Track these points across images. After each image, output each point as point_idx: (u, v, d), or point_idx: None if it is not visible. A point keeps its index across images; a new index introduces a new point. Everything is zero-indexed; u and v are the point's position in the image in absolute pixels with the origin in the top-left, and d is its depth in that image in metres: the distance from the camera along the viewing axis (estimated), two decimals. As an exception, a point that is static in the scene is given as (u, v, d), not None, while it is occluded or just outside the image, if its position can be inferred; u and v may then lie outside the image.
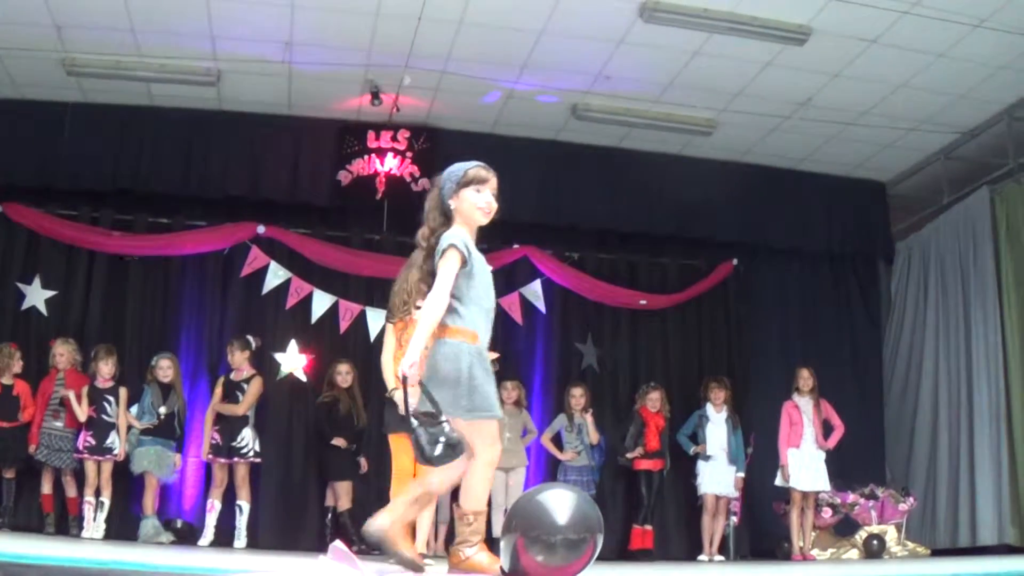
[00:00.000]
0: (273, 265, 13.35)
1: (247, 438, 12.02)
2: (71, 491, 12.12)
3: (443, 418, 5.53)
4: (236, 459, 11.94)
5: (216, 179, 13.23)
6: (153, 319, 13.37)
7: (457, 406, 5.65)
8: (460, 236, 5.81)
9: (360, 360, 12.81)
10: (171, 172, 13.16)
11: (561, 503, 4.72)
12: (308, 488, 12.93)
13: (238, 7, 11.03)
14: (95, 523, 11.70)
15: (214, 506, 11.97)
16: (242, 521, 11.96)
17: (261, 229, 13.34)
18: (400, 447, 8.28)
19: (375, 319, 13.01)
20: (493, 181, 6.01)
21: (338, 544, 4.80)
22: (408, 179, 13.38)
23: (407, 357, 5.64)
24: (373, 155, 13.38)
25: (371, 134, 13.42)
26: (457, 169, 6.00)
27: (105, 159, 13.09)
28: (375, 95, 12.63)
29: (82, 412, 11.92)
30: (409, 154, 13.41)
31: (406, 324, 8.29)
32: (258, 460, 12.19)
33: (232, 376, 12.34)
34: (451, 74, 12.31)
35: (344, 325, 13.38)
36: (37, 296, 13.09)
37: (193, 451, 12.65)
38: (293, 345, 13.24)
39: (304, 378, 13.25)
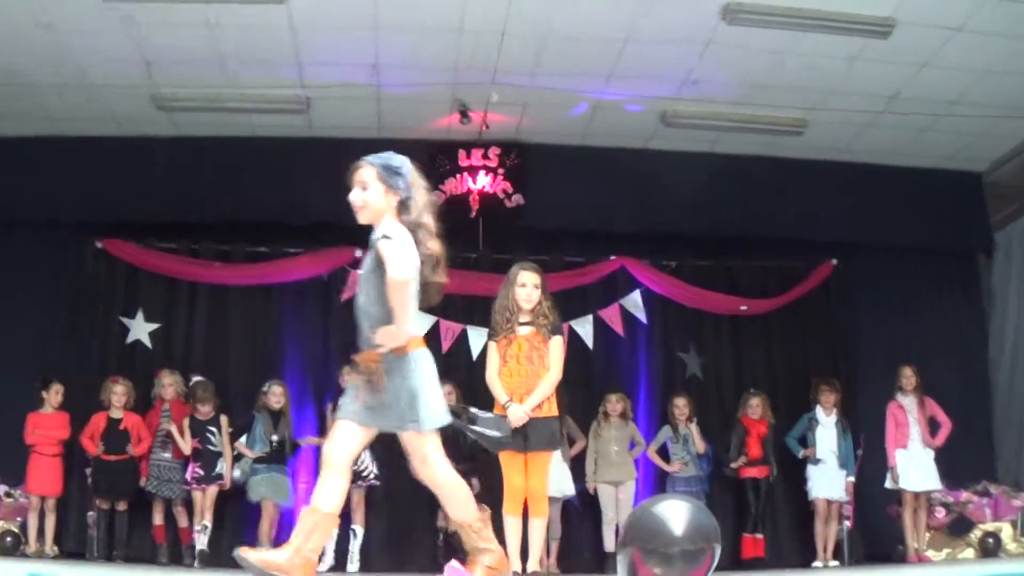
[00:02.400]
0: (373, 288, 13.36)
1: (367, 462, 12.10)
2: (183, 521, 12.35)
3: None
4: (359, 483, 11.98)
5: (311, 205, 13.19)
6: (256, 347, 13.52)
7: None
8: None
9: (464, 379, 12.82)
10: (266, 200, 13.29)
11: (677, 514, 4.67)
12: (418, 509, 12.83)
13: (324, 33, 11.13)
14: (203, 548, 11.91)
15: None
16: (355, 545, 12.06)
17: (359, 253, 13.34)
18: (510, 464, 8.25)
19: (477, 338, 12.94)
20: (356, 174, 5.94)
21: (454, 564, 4.82)
22: (501, 195, 13.43)
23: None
24: (465, 173, 13.41)
25: (462, 153, 13.46)
26: None
27: (200, 191, 13.28)
28: (464, 113, 12.67)
29: (186, 445, 12.12)
30: (501, 171, 13.45)
31: (510, 341, 8.36)
32: (376, 483, 12.31)
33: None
34: (538, 88, 12.29)
35: (446, 345, 13.37)
36: (141, 330, 13.35)
37: (303, 476, 12.74)
38: (396, 368, 13.23)
39: (409, 401, 13.24)
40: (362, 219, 5.87)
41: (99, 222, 13.48)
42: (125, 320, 13.43)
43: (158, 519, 12.36)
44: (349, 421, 5.75)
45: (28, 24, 10.86)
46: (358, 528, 12.07)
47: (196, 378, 12.58)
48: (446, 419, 5.87)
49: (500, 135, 13.44)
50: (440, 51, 11.52)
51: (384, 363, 5.66)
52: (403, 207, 5.85)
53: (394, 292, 5.52)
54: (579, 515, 13.00)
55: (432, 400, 5.76)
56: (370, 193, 5.84)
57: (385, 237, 5.60)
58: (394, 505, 12.92)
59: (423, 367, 5.77)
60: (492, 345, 8.52)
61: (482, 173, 13.43)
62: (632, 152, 13.88)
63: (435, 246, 5.85)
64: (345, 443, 5.77)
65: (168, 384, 12.49)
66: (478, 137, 13.35)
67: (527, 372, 8.31)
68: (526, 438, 8.17)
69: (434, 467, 5.85)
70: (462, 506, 5.91)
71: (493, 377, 8.41)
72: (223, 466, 12.15)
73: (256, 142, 13.36)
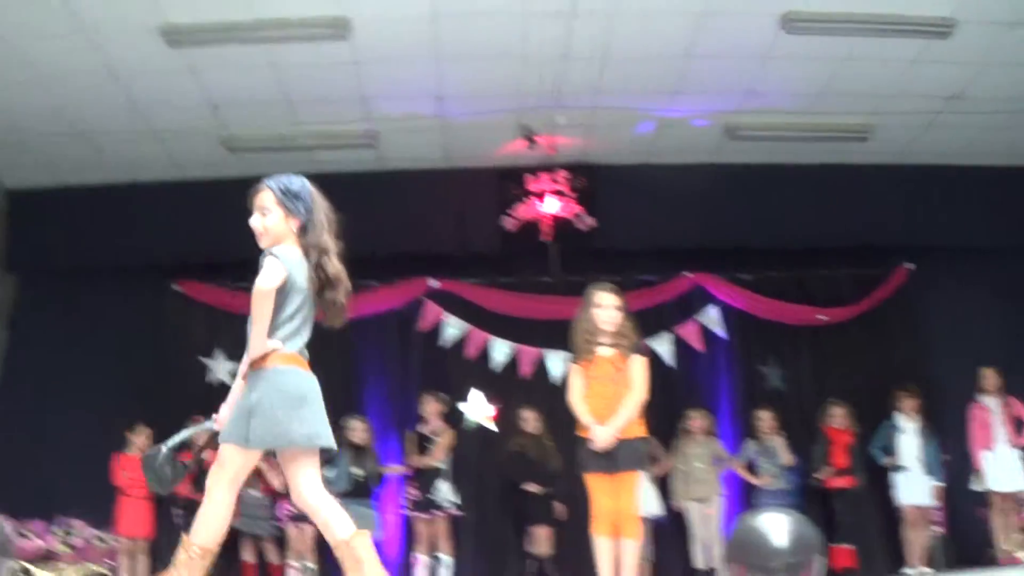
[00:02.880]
0: (450, 317, 13.50)
1: (443, 491, 12.12)
2: (272, 557, 12.44)
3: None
4: (434, 512, 12.09)
5: (383, 238, 13.13)
6: (336, 382, 13.51)
7: None
8: None
9: (546, 403, 12.74)
10: (339, 234, 13.31)
11: (778, 527, 4.68)
12: (507, 537, 12.87)
13: (387, 67, 11.24)
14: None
15: (419, 560, 12.11)
16: (445, 574, 12.07)
17: (434, 283, 13.48)
18: (597, 486, 8.17)
19: (555, 361, 12.96)
20: (256, 198, 5.93)
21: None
22: (572, 218, 13.40)
23: None
24: (535, 199, 13.39)
25: (530, 177, 13.44)
26: None
27: (273, 229, 13.43)
28: (530, 138, 12.67)
29: (277, 479, 12.21)
30: (571, 193, 13.40)
31: (592, 363, 8.30)
32: (457, 512, 12.29)
33: (422, 429, 12.52)
34: (602, 109, 12.32)
35: (526, 370, 13.41)
36: (221, 369, 13.60)
37: (390, 509, 12.83)
38: (478, 395, 13.26)
39: (492, 427, 13.26)
40: (263, 244, 5.79)
41: (174, 265, 13.86)
42: (205, 360, 13.71)
43: (248, 556, 12.49)
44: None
45: (95, 76, 11.15)
46: (446, 558, 12.11)
47: None
48: (275, 443, 5.60)
49: (567, 158, 13.43)
50: (503, 78, 11.58)
51: (248, 377, 5.61)
52: (303, 230, 5.84)
53: (253, 303, 5.50)
54: (669, 534, 12.97)
55: (268, 421, 5.50)
56: (270, 219, 5.82)
57: (270, 254, 5.61)
58: (482, 534, 12.95)
59: (276, 384, 5.58)
60: (575, 368, 8.45)
61: (552, 197, 13.39)
62: (699, 167, 13.85)
63: (335, 266, 5.86)
64: (312, 481, 5.71)
65: (253, 421, 12.61)
66: (546, 161, 13.35)
67: (611, 393, 8.21)
68: (614, 460, 8.09)
69: (234, 486, 5.58)
70: (205, 529, 5.49)
71: (577, 400, 8.31)
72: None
73: (325, 178, 13.23)
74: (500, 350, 13.46)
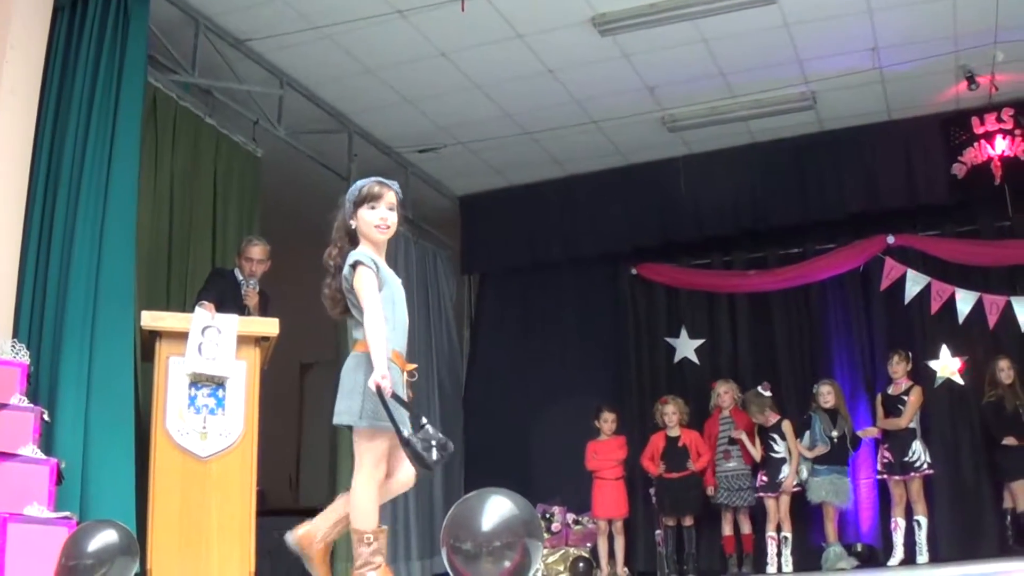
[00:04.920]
0: (910, 273, 13.10)
1: (917, 451, 11.88)
2: (746, 528, 12.50)
3: (423, 421, 5.57)
4: (911, 474, 11.83)
5: (832, 199, 13.16)
6: (802, 348, 13.61)
7: (353, 413, 5.74)
8: (365, 253, 5.90)
9: (1016, 352, 12.30)
10: (787, 202, 13.37)
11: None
12: (981, 493, 12.40)
13: (819, 25, 11.04)
14: (780, 558, 12.02)
15: (897, 524, 11.87)
16: (921, 536, 11.74)
17: (891, 239, 13.19)
18: None
19: (1022, 308, 12.55)
20: (388, 195, 6.02)
21: None
22: (1023, 157, 12.93)
23: (376, 371, 5.58)
24: (982, 141, 12.85)
25: (975, 120, 12.89)
26: (354, 188, 6.08)
27: (721, 204, 13.51)
28: (970, 80, 12.16)
29: (756, 451, 12.26)
30: (1018, 131, 12.76)
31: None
32: (931, 472, 11.96)
33: (890, 391, 12.29)
34: (1040, 41, 11.78)
35: (992, 320, 12.80)
36: (686, 347, 13.86)
37: (863, 473, 12.69)
38: (944, 350, 12.85)
39: (961, 381, 12.80)
40: (386, 237, 6.07)
41: (628, 250, 14.16)
42: (670, 340, 13.99)
43: (727, 530, 12.59)
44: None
45: (535, 76, 11.65)
46: (921, 519, 11.81)
47: (757, 389, 12.67)
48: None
49: (1011, 95, 12.73)
50: (937, 20, 11.12)
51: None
52: None
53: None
54: None
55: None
56: (396, 216, 6.08)
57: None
58: (955, 492, 12.53)
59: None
60: None
61: (999, 137, 12.80)
62: None
63: None
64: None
65: (723, 392, 12.77)
66: (988, 101, 12.79)
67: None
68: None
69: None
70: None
71: None
72: (787, 472, 12.17)
73: (766, 146, 13.49)
74: (965, 301, 12.96)
